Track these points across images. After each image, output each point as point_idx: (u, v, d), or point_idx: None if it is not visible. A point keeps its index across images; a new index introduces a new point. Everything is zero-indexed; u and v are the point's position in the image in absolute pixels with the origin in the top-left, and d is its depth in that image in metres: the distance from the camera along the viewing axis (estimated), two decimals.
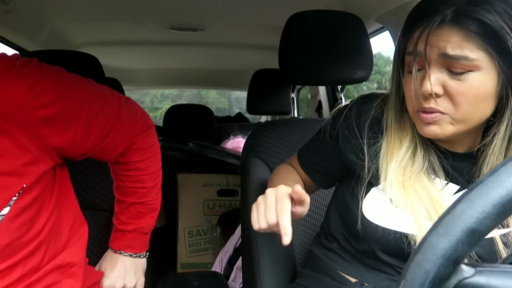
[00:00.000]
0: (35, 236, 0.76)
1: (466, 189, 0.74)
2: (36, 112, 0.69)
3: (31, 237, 0.75)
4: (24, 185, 0.71)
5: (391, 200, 0.74)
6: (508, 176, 0.31)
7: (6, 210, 0.70)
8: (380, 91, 0.84)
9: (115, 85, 2.06)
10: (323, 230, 0.91)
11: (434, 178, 0.75)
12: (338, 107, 0.85)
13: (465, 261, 0.32)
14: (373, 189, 0.77)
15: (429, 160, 0.75)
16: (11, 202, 0.70)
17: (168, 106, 3.03)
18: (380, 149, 0.76)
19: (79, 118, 0.76)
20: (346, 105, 0.83)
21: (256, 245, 0.96)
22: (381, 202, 0.76)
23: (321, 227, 0.94)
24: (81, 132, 0.76)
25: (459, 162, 0.74)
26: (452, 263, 0.31)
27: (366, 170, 0.76)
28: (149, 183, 0.92)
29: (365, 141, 0.77)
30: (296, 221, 1.05)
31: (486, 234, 0.31)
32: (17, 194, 0.70)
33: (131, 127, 0.85)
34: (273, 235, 0.99)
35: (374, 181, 0.76)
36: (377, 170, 0.75)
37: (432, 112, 0.67)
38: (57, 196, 0.81)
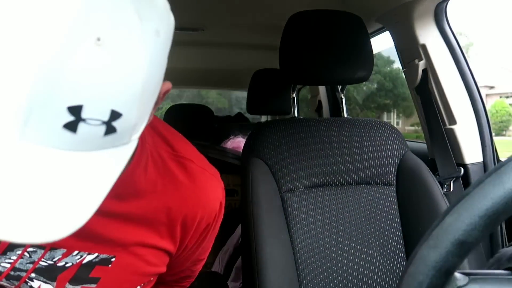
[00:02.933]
0: None
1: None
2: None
3: None
4: (151, 279, 0.68)
5: None
6: (492, 187, 0.31)
7: None
8: None
9: None
10: None
11: None
12: None
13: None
14: None
15: None
16: None
17: (168, 106, 3.03)
18: None
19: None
20: None
21: (256, 245, 0.97)
22: None
23: None
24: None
25: None
26: (444, 274, 0.32)
27: None
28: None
29: None
30: (295, 220, 1.05)
31: (476, 245, 0.32)
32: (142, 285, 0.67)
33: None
34: (272, 234, 1.00)
35: None
36: None
37: None
38: None
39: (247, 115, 3.48)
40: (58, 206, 0.38)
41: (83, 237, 0.57)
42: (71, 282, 0.60)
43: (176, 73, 3.14)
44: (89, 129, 0.37)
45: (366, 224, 1.09)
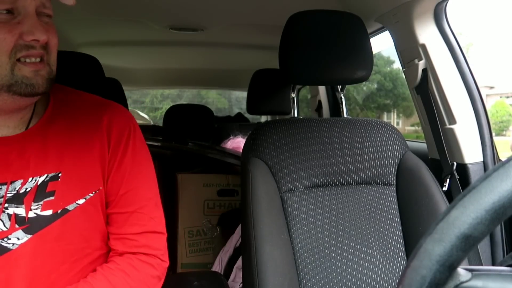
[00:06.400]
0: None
1: None
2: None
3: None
4: (101, 188, 0.81)
5: None
6: (500, 181, 0.31)
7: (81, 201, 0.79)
8: None
9: (115, 85, 2.06)
10: None
11: None
12: None
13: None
14: None
15: None
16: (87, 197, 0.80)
17: (168, 106, 3.02)
18: None
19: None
20: None
21: (255, 245, 0.96)
22: None
23: None
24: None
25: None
26: (448, 268, 0.32)
27: None
28: None
29: None
30: (295, 220, 1.05)
31: (481, 239, 0.32)
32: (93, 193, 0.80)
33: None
34: (272, 234, 1.00)
35: None
36: None
37: None
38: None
39: (247, 115, 3.48)
40: None
41: (32, 166, 0.76)
42: (35, 200, 0.76)
43: (176, 73, 3.15)
44: None
45: (366, 224, 1.09)
